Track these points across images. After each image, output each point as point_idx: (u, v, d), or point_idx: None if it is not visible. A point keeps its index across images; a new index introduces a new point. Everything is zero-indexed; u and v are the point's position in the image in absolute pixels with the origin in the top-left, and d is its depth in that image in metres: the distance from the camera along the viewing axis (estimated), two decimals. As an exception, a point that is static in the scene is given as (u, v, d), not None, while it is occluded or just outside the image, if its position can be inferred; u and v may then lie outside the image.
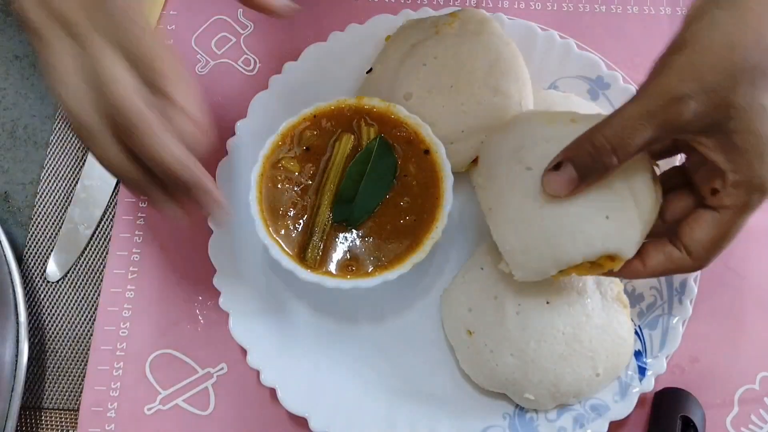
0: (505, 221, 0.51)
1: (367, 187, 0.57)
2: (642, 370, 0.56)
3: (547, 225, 0.49)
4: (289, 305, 0.59)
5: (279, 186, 0.57)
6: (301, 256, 0.55)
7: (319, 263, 0.55)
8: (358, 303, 0.59)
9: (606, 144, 0.45)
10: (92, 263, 0.63)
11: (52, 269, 0.62)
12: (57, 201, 0.65)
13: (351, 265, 0.55)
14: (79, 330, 0.61)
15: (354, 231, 0.56)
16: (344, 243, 0.56)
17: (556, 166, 0.47)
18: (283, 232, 0.56)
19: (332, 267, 0.55)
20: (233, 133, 0.61)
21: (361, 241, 0.56)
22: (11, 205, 0.65)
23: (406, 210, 0.57)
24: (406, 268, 0.55)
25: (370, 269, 0.55)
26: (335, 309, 0.59)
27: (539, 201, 0.49)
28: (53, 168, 0.66)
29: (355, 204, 0.56)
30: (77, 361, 0.60)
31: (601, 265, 0.49)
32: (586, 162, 0.46)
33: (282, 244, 0.55)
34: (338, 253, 0.56)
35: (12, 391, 0.55)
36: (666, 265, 0.49)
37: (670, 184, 0.51)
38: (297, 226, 0.56)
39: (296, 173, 0.57)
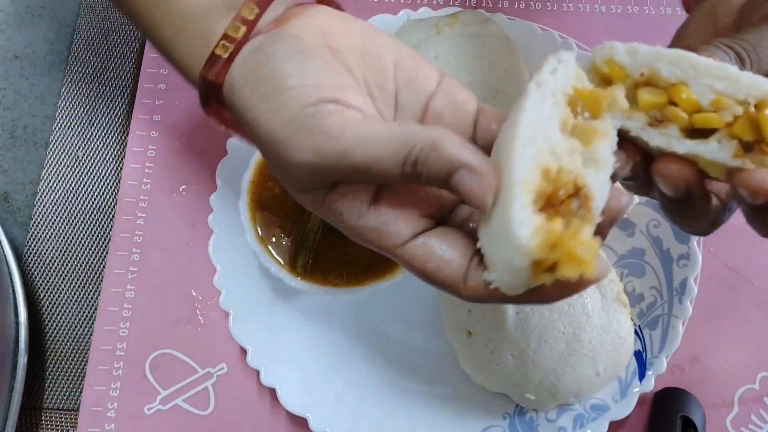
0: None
1: None
2: (642, 370, 0.55)
3: None
4: (289, 305, 0.59)
5: (271, 192, 0.57)
6: (292, 264, 0.55)
7: (309, 271, 0.55)
8: (359, 304, 0.59)
9: None
10: (92, 263, 0.63)
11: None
12: (57, 201, 0.65)
13: (341, 273, 0.55)
14: (79, 330, 0.60)
15: (345, 239, 0.56)
16: (335, 251, 0.56)
17: None
18: (274, 239, 0.56)
19: (322, 275, 0.55)
20: (233, 133, 0.61)
21: (351, 249, 0.56)
22: (11, 205, 0.65)
23: None
24: (397, 277, 0.54)
25: (360, 277, 0.55)
26: (336, 309, 0.59)
27: None
28: (53, 168, 0.66)
29: None
30: (77, 361, 0.59)
31: None
32: None
33: (273, 250, 0.55)
34: (329, 261, 0.55)
35: (12, 391, 0.55)
36: None
37: None
38: (289, 233, 0.56)
39: None
